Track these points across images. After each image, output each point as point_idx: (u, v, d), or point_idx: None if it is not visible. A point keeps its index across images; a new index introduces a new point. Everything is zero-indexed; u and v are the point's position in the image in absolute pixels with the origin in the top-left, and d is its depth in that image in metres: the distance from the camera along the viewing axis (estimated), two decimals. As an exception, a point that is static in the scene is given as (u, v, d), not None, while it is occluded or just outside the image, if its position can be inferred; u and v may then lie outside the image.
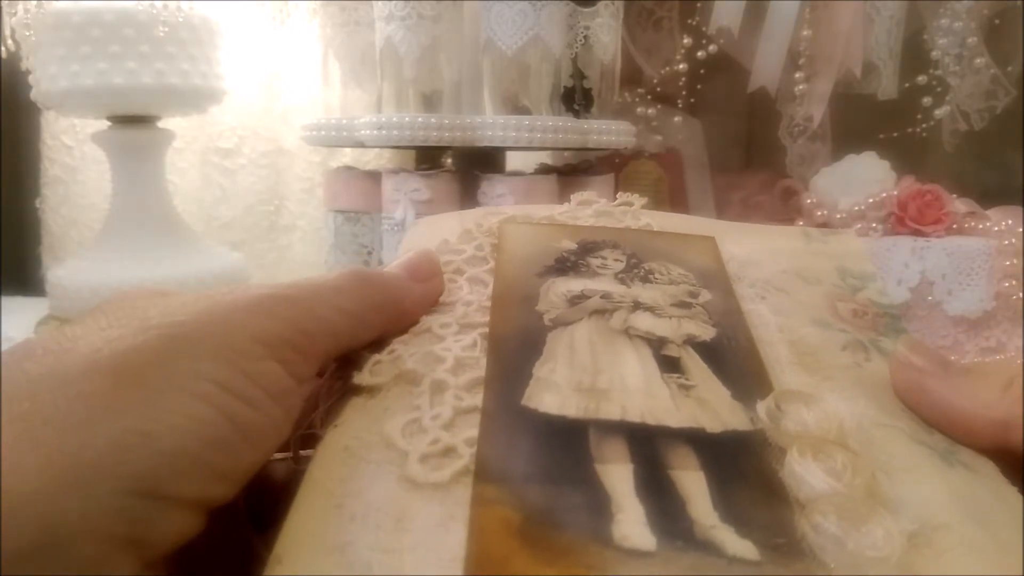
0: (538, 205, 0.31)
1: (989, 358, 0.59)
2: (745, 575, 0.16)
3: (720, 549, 0.16)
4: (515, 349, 0.22)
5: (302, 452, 0.21)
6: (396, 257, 0.27)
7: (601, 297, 0.24)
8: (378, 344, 0.22)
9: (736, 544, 0.16)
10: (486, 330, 0.22)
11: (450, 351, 0.21)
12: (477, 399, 0.20)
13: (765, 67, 0.70)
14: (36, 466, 0.15)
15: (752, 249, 0.29)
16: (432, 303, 0.24)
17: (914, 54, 0.69)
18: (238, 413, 0.17)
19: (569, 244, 0.27)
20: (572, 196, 0.31)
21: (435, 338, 0.22)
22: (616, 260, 0.27)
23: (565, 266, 0.26)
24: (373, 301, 0.22)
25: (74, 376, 0.16)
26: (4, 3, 0.66)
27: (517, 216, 0.29)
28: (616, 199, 0.31)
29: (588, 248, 0.27)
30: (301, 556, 0.16)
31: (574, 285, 0.25)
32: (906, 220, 0.61)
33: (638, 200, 0.30)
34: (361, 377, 0.21)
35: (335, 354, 0.21)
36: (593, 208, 0.30)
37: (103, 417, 0.16)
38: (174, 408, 0.16)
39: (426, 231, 0.29)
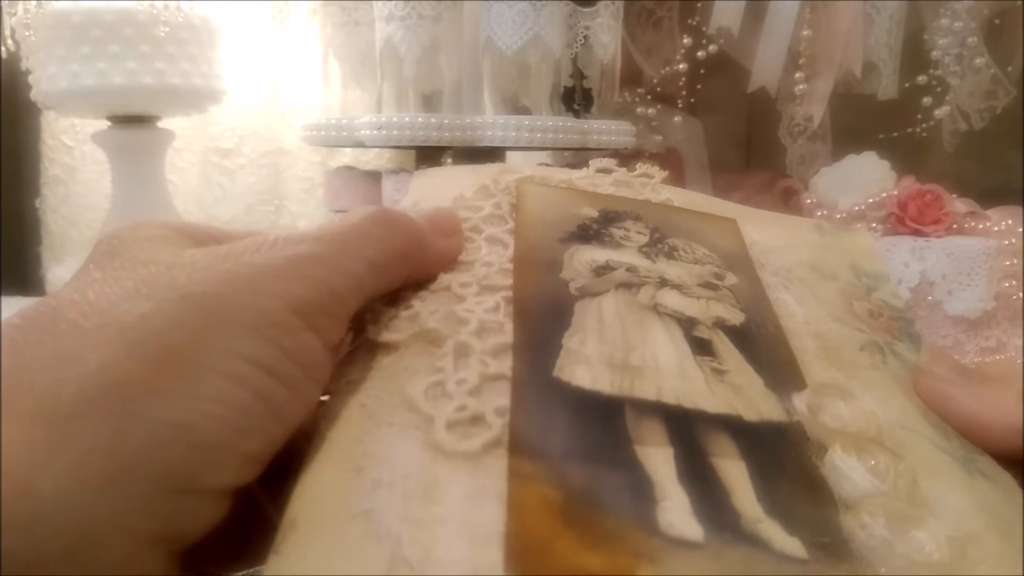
0: (555, 168, 0.30)
1: (991, 358, 0.59)
2: (794, 573, 0.15)
3: (768, 544, 0.16)
4: (542, 317, 0.21)
5: None
6: (408, 208, 0.25)
7: (627, 270, 0.24)
8: (392, 298, 0.21)
9: (784, 540, 0.16)
10: (508, 294, 0.21)
11: (473, 313, 0.20)
12: (503, 366, 0.19)
13: (765, 67, 0.70)
14: (66, 466, 0.14)
15: (772, 236, 0.28)
16: (451, 261, 0.23)
17: (914, 54, 0.69)
18: (274, 394, 0.16)
19: (591, 212, 0.26)
20: (591, 161, 0.30)
21: (455, 298, 0.21)
22: (639, 233, 0.26)
23: (588, 234, 0.25)
24: (399, 247, 0.20)
25: (106, 362, 0.15)
26: (4, 3, 0.66)
27: (535, 176, 0.28)
28: (636, 170, 0.30)
29: (610, 217, 0.26)
30: (321, 521, 0.15)
31: (598, 255, 0.24)
32: (906, 220, 0.61)
33: (658, 172, 0.29)
34: (377, 332, 0.20)
35: (360, 308, 0.20)
36: (612, 176, 0.29)
37: (138, 409, 0.15)
38: (211, 395, 0.15)
39: (435, 182, 0.27)
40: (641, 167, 0.30)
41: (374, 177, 0.64)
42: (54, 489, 0.14)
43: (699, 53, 0.67)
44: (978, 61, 0.67)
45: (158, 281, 0.17)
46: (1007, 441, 0.20)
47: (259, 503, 0.17)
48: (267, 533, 0.15)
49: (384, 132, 0.59)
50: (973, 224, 0.62)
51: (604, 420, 0.18)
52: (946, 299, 0.59)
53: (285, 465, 0.17)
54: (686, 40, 0.68)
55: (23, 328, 0.16)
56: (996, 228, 0.60)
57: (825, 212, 0.66)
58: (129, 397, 0.15)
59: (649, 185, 0.29)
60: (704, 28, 0.68)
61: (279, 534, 0.15)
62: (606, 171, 0.29)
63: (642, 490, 0.16)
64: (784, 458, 0.18)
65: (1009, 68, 0.69)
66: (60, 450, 0.14)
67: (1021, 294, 0.58)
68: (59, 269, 0.71)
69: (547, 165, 0.75)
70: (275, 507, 0.16)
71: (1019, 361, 0.23)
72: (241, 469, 0.16)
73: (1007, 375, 0.22)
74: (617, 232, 0.25)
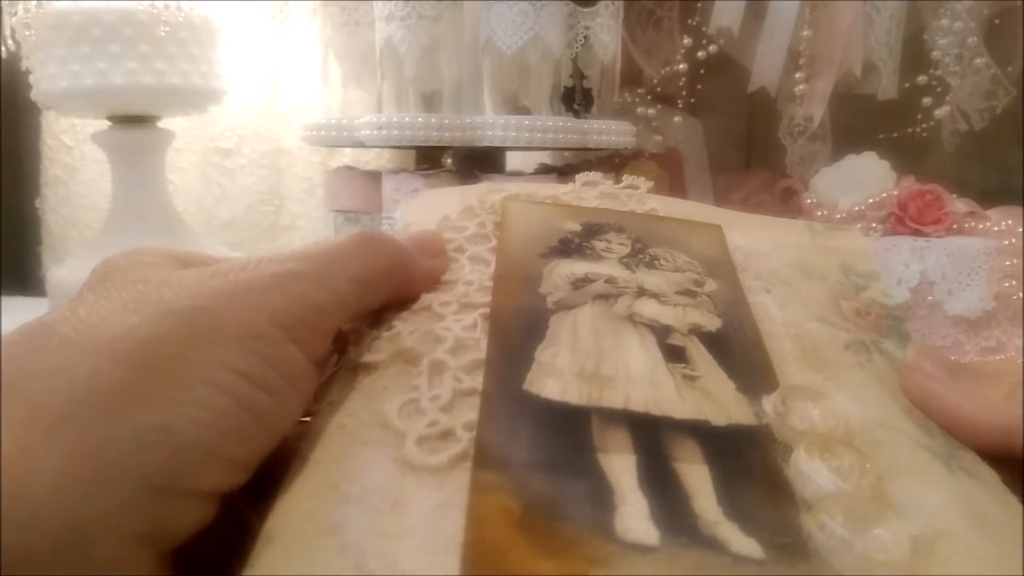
0: (542, 184, 0.30)
1: (990, 358, 0.59)
2: (750, 574, 0.16)
3: (724, 546, 0.16)
4: (517, 332, 0.21)
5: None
6: (399, 231, 0.26)
7: (605, 282, 0.24)
8: (375, 319, 0.22)
9: (741, 542, 0.16)
10: (487, 310, 0.22)
11: (450, 331, 0.21)
12: (477, 381, 0.19)
13: (765, 67, 0.70)
14: (57, 467, 0.14)
15: (757, 240, 0.28)
16: (435, 282, 0.23)
17: (914, 54, 0.69)
18: (257, 402, 0.17)
19: (573, 225, 0.27)
20: (577, 176, 0.30)
21: (435, 316, 0.22)
22: (621, 244, 0.26)
23: (569, 248, 0.25)
24: (383, 266, 0.21)
25: (95, 370, 0.16)
26: (4, 3, 0.66)
27: (520, 194, 0.28)
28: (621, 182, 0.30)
29: (593, 230, 0.27)
30: (294, 536, 0.15)
31: (578, 268, 0.24)
32: (906, 220, 0.61)
33: (644, 183, 0.30)
34: (358, 354, 0.21)
35: (344, 325, 0.20)
36: (598, 189, 0.30)
37: (125, 413, 0.15)
38: (195, 401, 0.16)
39: (426, 205, 0.28)
40: (627, 178, 0.30)
41: (374, 177, 0.65)
42: (45, 488, 0.14)
43: (699, 53, 0.67)
44: (978, 61, 0.67)
45: (146, 298, 0.18)
46: (991, 438, 0.20)
47: (248, 521, 0.18)
48: (247, 538, 0.16)
49: (384, 132, 0.59)
50: (973, 224, 0.62)
51: (570, 430, 0.18)
52: (946, 299, 0.59)
53: (274, 479, 0.17)
54: (686, 40, 0.68)
55: (18, 343, 0.17)
56: (996, 228, 0.61)
57: (825, 212, 0.66)
58: (117, 402, 0.15)
59: (635, 196, 0.29)
60: (704, 28, 0.68)
61: (255, 548, 0.15)
62: (592, 184, 0.30)
63: (601, 497, 0.17)
64: (749, 461, 0.19)
65: (1009, 68, 0.69)
66: (51, 452, 0.15)
67: (1021, 294, 0.58)
68: (59, 269, 0.71)
69: (547, 165, 0.75)
70: (262, 524, 0.16)
71: (1018, 360, 0.22)
72: (225, 473, 0.16)
73: (995, 372, 0.22)
74: (599, 244, 0.26)
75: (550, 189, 0.29)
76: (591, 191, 0.29)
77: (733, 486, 0.18)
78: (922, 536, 0.17)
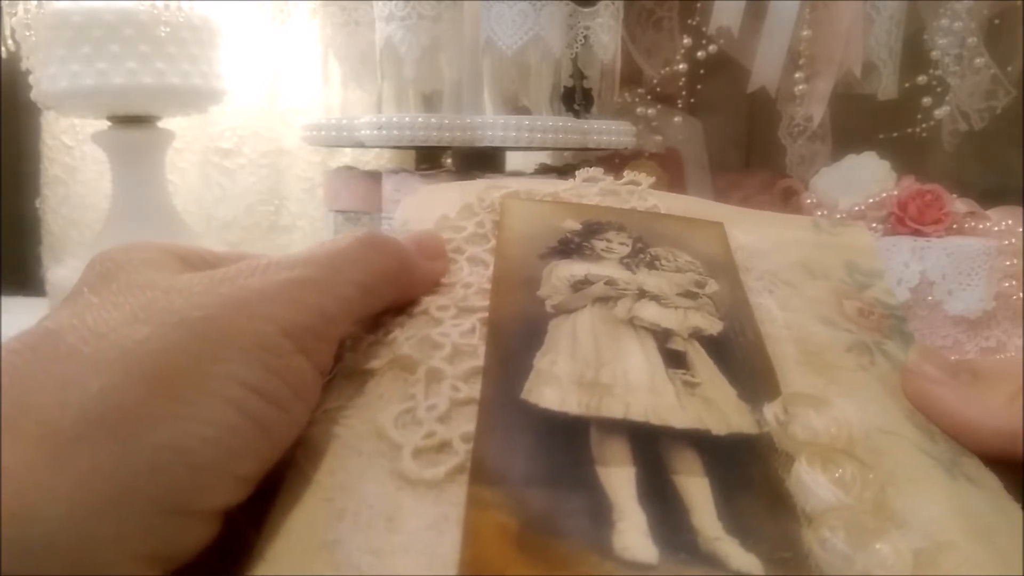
0: (542, 180, 0.30)
1: (991, 358, 0.59)
2: None
3: (724, 563, 0.16)
4: (515, 337, 0.21)
5: None
6: (398, 229, 0.26)
7: (605, 283, 0.24)
8: (373, 323, 0.21)
9: (741, 558, 0.16)
10: (485, 315, 0.22)
11: (448, 337, 0.21)
12: (474, 390, 0.19)
13: (765, 67, 0.70)
14: (68, 490, 0.14)
15: (760, 238, 0.28)
16: (435, 284, 0.23)
17: (914, 54, 0.69)
18: (265, 416, 0.17)
19: (573, 224, 0.26)
20: (577, 172, 0.30)
21: (432, 321, 0.21)
22: (621, 244, 0.26)
23: (569, 248, 0.25)
24: (386, 270, 0.21)
25: (107, 386, 0.15)
26: (4, 3, 0.66)
27: (520, 191, 0.28)
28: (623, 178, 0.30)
29: (593, 229, 0.26)
30: (288, 554, 0.15)
31: (577, 269, 0.24)
32: (906, 220, 0.61)
33: (645, 179, 0.29)
34: (355, 360, 0.20)
35: (348, 330, 0.20)
36: (599, 186, 0.29)
37: (138, 432, 0.15)
38: (206, 417, 0.16)
39: (424, 202, 0.27)
40: (629, 174, 0.30)
41: (374, 177, 0.64)
42: (55, 510, 0.14)
43: (699, 53, 0.67)
44: (978, 61, 0.67)
45: (156, 305, 0.17)
46: (993, 443, 0.20)
47: (241, 528, 0.18)
48: (240, 542, 0.16)
49: (384, 132, 0.59)
50: (973, 224, 0.62)
51: (568, 442, 0.18)
52: (946, 299, 0.59)
53: (271, 488, 0.17)
54: (686, 40, 0.68)
55: (23, 353, 0.16)
56: (996, 228, 0.60)
57: (825, 212, 0.65)
58: (129, 420, 0.15)
59: (636, 192, 0.29)
60: (704, 28, 0.68)
61: (249, 565, 0.15)
62: (593, 180, 0.29)
63: (599, 512, 0.16)
64: (750, 472, 0.18)
65: (1009, 68, 0.69)
66: (61, 472, 0.14)
67: (1021, 294, 0.58)
68: (59, 269, 0.72)
69: (547, 165, 0.75)
70: (258, 531, 0.16)
71: (1017, 360, 0.22)
72: (232, 490, 0.16)
73: (997, 374, 0.22)
74: (599, 244, 0.25)
75: (551, 185, 0.29)
76: (591, 188, 0.29)
77: (733, 499, 0.17)
78: (924, 550, 0.17)
